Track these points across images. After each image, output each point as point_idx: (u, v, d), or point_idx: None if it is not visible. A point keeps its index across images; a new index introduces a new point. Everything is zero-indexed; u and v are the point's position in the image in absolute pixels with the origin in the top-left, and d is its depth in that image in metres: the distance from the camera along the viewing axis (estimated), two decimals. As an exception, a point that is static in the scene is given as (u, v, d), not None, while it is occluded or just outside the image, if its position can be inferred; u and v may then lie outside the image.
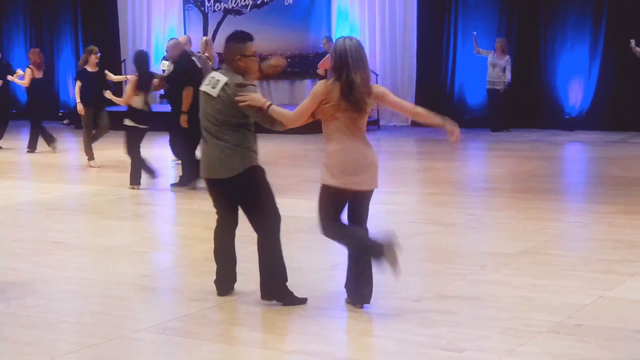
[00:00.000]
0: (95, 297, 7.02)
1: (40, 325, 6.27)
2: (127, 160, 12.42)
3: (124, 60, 23.58)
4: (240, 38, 6.75)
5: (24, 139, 17.91)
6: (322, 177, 6.44)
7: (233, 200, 6.83)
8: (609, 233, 9.02)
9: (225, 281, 7.01)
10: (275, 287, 6.69)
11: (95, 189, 12.39)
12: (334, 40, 20.19)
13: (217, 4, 22.56)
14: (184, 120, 11.98)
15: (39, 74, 16.96)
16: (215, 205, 6.99)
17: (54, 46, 25.13)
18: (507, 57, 19.09)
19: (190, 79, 12.06)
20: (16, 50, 24.86)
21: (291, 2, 21.80)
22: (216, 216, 6.99)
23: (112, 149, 16.71)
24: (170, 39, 14.29)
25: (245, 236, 7.05)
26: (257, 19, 21.86)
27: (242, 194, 6.73)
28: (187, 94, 11.95)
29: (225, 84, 6.59)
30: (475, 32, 19.42)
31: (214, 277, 7.02)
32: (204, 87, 6.73)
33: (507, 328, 5.96)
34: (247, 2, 22.22)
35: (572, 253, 8.29)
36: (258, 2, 22.07)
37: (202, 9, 22.56)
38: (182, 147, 12.55)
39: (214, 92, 6.62)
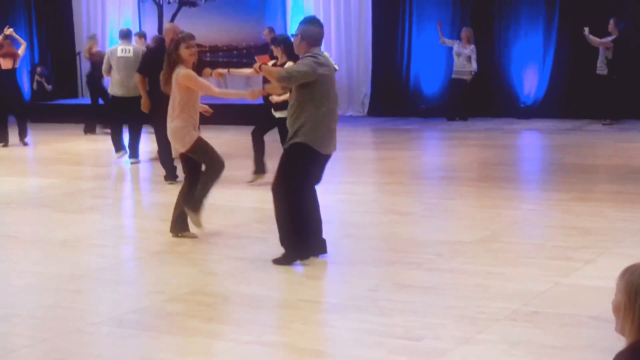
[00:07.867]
0: (50, 290, 6.95)
1: (-7, 320, 6.20)
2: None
3: (79, 53, 23.36)
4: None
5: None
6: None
7: None
8: (564, 220, 9.08)
9: (315, 242, 7.50)
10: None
11: (50, 182, 12.26)
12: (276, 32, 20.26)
13: (172, -4, 22.41)
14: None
15: (8, 65, 16.14)
16: (315, 179, 7.47)
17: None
18: (472, 47, 19.13)
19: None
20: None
21: (246, -7, 21.72)
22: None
23: (69, 142, 16.58)
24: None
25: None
26: (212, 11, 21.74)
27: None
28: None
29: None
30: (439, 22, 19.45)
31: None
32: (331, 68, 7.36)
33: (463, 316, 5.97)
34: (201, -7, 22.09)
35: (528, 240, 8.33)
36: (213, -6, 21.96)
37: (157, 0, 22.38)
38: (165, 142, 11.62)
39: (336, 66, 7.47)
